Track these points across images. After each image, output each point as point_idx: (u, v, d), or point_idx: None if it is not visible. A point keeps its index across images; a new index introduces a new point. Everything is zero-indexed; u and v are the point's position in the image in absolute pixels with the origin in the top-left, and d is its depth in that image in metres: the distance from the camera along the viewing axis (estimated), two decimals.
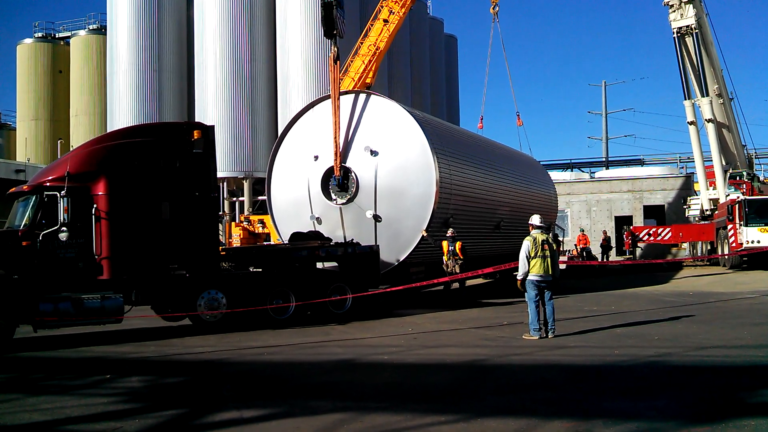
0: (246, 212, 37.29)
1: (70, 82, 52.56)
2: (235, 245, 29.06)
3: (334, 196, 18.17)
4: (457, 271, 17.80)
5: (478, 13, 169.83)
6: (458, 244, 17.91)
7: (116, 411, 7.88)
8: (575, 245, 34.75)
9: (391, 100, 18.90)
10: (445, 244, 17.93)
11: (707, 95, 31.87)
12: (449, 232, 17.90)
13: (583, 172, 56.41)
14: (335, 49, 19.00)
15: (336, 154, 17.74)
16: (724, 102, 33.71)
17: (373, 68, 27.34)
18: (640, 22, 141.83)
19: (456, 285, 18.54)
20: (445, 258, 17.98)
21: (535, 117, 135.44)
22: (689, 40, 31.80)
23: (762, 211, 28.09)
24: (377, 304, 16.35)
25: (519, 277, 12.53)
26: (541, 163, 34.85)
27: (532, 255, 12.27)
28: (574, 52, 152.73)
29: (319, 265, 16.82)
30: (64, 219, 12.73)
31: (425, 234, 17.29)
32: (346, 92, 19.39)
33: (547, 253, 12.34)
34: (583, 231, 35.58)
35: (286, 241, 17.99)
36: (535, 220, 12.74)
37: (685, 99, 32.58)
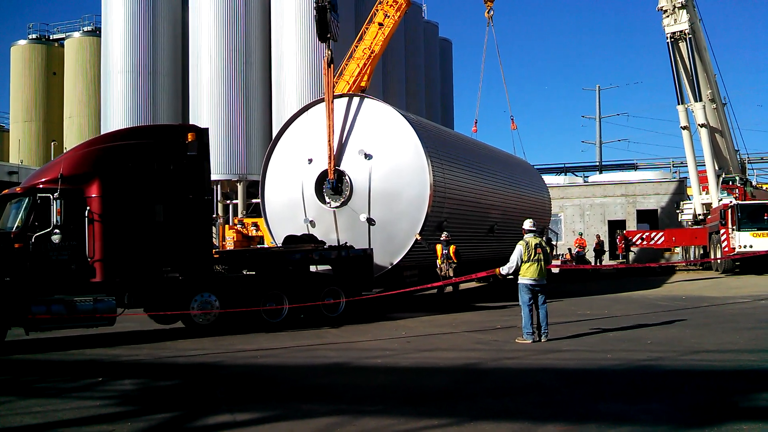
0: (240, 215, 37.26)
1: (64, 83, 52.43)
2: (228, 248, 29.04)
3: (328, 199, 18.16)
4: (451, 274, 17.80)
5: (473, 17, 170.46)
6: (452, 248, 17.90)
7: (108, 414, 7.85)
8: (569, 249, 34.81)
9: (386, 104, 18.93)
10: (439, 247, 17.92)
11: (700, 100, 32.00)
12: (443, 236, 17.89)
13: (576, 176, 56.39)
14: (329, 52, 19.01)
15: (330, 157, 17.73)
16: (717, 107, 33.83)
17: (367, 72, 27.36)
18: (634, 27, 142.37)
19: (449, 288, 18.54)
20: (438, 261, 17.97)
21: (529, 121, 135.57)
22: (683, 45, 31.93)
23: (754, 216, 28.22)
24: (371, 307, 16.34)
25: (503, 272, 12.58)
26: (535, 167, 34.90)
27: (526, 259, 12.29)
28: (568, 56, 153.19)
29: (312, 268, 16.81)
30: (57, 221, 12.69)
31: (419, 238, 17.30)
32: (341, 95, 19.40)
33: (541, 257, 12.36)
34: (581, 234, 35.65)
35: (280, 244, 17.97)
36: (528, 224, 12.77)
37: (679, 104, 32.69)
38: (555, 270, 27.06)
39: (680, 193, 38.08)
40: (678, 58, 32.17)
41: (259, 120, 38.88)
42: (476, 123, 39.74)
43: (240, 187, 38.53)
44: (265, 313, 14.71)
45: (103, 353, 12.30)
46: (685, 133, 32.92)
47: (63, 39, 54.56)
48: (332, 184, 17.89)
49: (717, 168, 33.14)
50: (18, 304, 12.35)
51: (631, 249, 34.02)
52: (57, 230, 12.67)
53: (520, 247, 12.39)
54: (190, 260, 14.20)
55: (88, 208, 13.12)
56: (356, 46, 27.66)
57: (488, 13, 32.07)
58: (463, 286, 22.13)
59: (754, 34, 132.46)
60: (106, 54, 41.25)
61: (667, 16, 31.96)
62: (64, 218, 12.76)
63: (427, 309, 18.02)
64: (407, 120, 18.06)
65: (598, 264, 33.56)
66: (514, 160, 28.57)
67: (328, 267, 16.90)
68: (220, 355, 11.86)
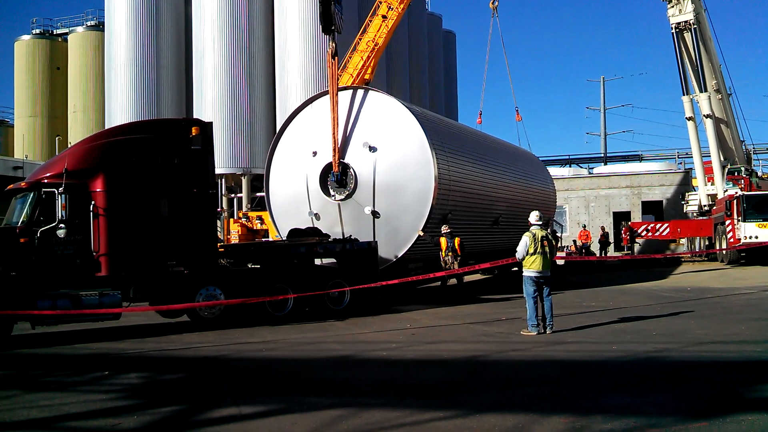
0: (244, 208, 37.28)
1: (68, 78, 52.41)
2: (233, 242, 29.07)
3: (332, 192, 18.15)
4: (456, 267, 17.75)
5: (477, 8, 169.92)
6: (457, 240, 17.85)
7: (114, 407, 7.88)
8: (574, 241, 34.77)
9: (390, 96, 18.89)
10: (443, 240, 17.87)
11: (705, 91, 31.87)
12: (444, 228, 17.80)
13: (581, 167, 56.27)
14: (333, 44, 18.96)
15: (334, 150, 17.72)
16: (722, 97, 33.69)
17: (371, 64, 27.32)
18: (639, 17, 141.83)
19: (453, 281, 18.52)
20: (442, 254, 17.87)
21: (534, 112, 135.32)
22: (688, 36, 31.79)
23: (760, 207, 28.13)
24: (375, 300, 16.34)
25: (518, 257, 12.48)
26: (540, 158, 34.83)
27: (531, 251, 12.27)
28: (573, 47, 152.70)
29: (317, 261, 16.81)
30: (62, 216, 12.70)
31: (422, 234, 17.25)
32: (345, 88, 19.35)
33: (547, 249, 12.35)
34: (584, 227, 35.57)
35: (285, 238, 17.98)
36: (534, 217, 12.75)
37: (684, 94, 32.59)
38: (560, 262, 27.06)
39: (685, 184, 37.98)
40: (683, 49, 32.04)
41: (263, 113, 38.83)
42: (481, 114, 39.61)
43: (244, 181, 38.53)
44: (270, 306, 14.73)
45: (109, 347, 12.34)
46: (690, 123, 32.81)
47: (66, 34, 54.53)
48: (337, 177, 17.88)
49: (722, 159, 33.02)
50: (24, 298, 12.39)
51: (636, 240, 33.97)
52: (62, 225, 12.70)
53: (526, 239, 12.38)
54: (195, 254, 14.23)
55: (92, 202, 13.15)
56: (360, 39, 27.60)
57: (493, 3, 31.99)
58: (468, 278, 22.12)
59: (759, 24, 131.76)
60: (110, 48, 41.23)
61: (672, 6, 31.82)
62: (69, 213, 12.76)
63: (432, 301, 18.03)
64: (412, 112, 18.03)
65: (603, 255, 33.52)
66: (518, 152, 28.51)
67: (333, 260, 16.91)
68: (225, 348, 11.89)
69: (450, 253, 17.70)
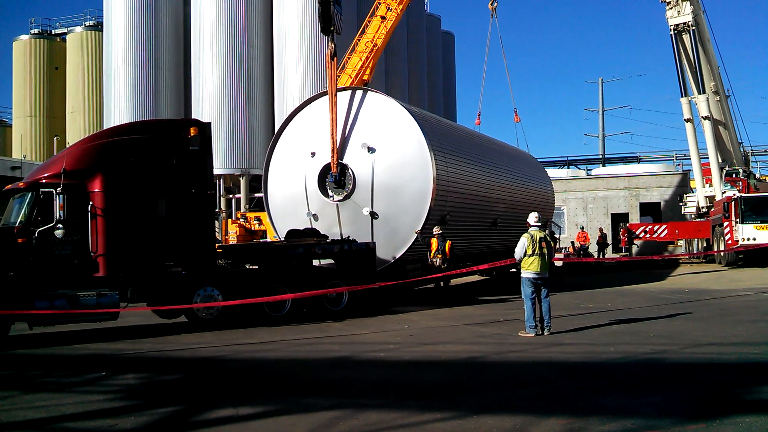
0: (242, 209, 37.29)
1: (66, 78, 52.40)
2: (231, 242, 29.07)
3: (331, 193, 18.14)
4: (444, 268, 17.62)
5: (476, 10, 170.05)
6: (448, 243, 17.76)
7: (112, 408, 7.87)
8: (572, 242, 34.78)
9: (388, 97, 18.88)
10: (434, 241, 17.79)
11: (704, 92, 31.90)
12: (437, 230, 17.70)
13: (579, 169, 56.36)
14: (332, 45, 18.95)
15: (333, 150, 17.71)
16: (720, 99, 33.72)
17: (370, 65, 27.37)
18: (637, 19, 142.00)
19: (442, 283, 18.45)
20: (430, 256, 17.76)
21: (532, 114, 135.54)
22: (686, 37, 31.82)
23: (758, 209, 28.16)
24: (373, 301, 16.34)
25: (516, 258, 12.49)
26: (538, 159, 34.85)
27: (529, 253, 12.28)
28: (571, 48, 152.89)
29: (315, 262, 16.80)
30: (60, 216, 12.69)
31: (418, 233, 17.23)
32: (343, 89, 19.34)
33: (545, 250, 12.36)
34: (582, 228, 35.57)
35: (283, 238, 17.97)
36: (533, 218, 12.75)
37: (682, 96, 32.62)
38: (558, 263, 27.05)
39: (683, 186, 38.01)
40: (681, 50, 32.07)
41: (262, 114, 38.85)
42: (479, 115, 39.58)
43: (243, 182, 38.54)
44: (268, 307, 14.72)
45: (107, 348, 12.33)
46: (688, 125, 32.84)
47: (65, 34, 54.52)
48: (335, 178, 17.86)
49: (720, 160, 33.04)
50: (21, 298, 12.37)
51: (634, 242, 33.99)
52: (60, 225, 12.68)
53: (524, 240, 12.39)
54: (193, 255, 14.22)
55: (90, 202, 13.13)
56: (359, 40, 27.65)
57: (492, 4, 32.03)
58: (466, 279, 22.11)
59: (757, 27, 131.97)
60: (108, 48, 41.23)
61: (671, 8, 31.85)
62: (67, 213, 12.75)
63: (429, 303, 18.01)
64: (410, 113, 18.03)
65: (600, 257, 33.53)
66: (517, 153, 28.52)
67: (331, 261, 16.90)
68: (222, 349, 11.89)
69: (439, 255, 17.62)
